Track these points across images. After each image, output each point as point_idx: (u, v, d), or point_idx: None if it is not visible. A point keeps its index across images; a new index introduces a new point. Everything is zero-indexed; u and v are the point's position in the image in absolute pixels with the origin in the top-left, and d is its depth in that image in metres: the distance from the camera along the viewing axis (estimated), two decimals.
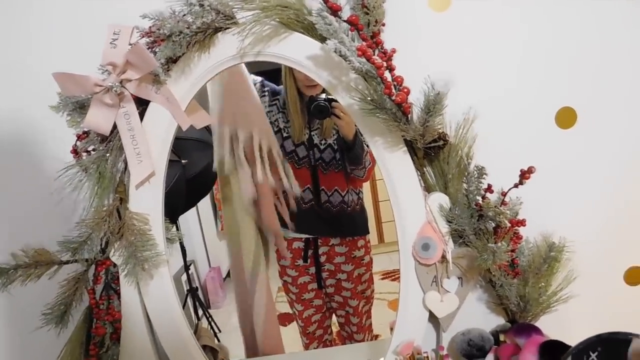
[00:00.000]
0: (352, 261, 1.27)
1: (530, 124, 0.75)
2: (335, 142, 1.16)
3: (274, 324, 1.13)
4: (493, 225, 0.70)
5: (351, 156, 1.14)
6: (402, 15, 0.70)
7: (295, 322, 1.33)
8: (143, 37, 0.67)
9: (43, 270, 0.73)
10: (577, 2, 0.72)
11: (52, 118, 0.71)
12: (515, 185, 0.68)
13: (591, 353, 0.60)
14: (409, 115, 0.64)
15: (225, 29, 0.67)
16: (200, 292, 1.94)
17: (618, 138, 0.76)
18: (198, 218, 1.94)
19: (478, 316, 0.78)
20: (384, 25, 0.66)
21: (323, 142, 1.16)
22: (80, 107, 0.71)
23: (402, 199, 0.71)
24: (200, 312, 1.85)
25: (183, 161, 1.18)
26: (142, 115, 0.71)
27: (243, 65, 0.97)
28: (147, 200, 0.73)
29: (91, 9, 0.73)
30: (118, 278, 0.75)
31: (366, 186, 1.34)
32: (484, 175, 0.68)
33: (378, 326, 1.36)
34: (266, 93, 1.14)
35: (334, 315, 1.36)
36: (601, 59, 0.73)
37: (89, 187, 0.74)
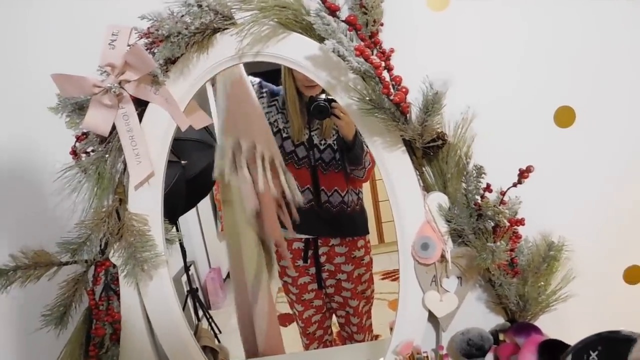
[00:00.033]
0: (352, 261, 1.27)
1: (529, 123, 0.75)
2: (334, 142, 1.16)
3: (276, 336, 1.13)
4: (492, 224, 0.70)
5: (351, 156, 1.14)
6: (401, 15, 0.70)
7: (295, 323, 1.33)
8: (141, 38, 0.67)
9: (42, 272, 0.73)
10: (576, 1, 0.72)
11: (51, 119, 0.71)
12: (514, 185, 0.68)
13: (591, 352, 0.60)
14: (408, 115, 0.64)
15: (224, 29, 0.67)
16: (200, 293, 1.94)
17: (617, 137, 0.76)
18: (198, 219, 1.94)
19: (477, 315, 0.78)
20: (382, 25, 0.66)
21: (323, 142, 1.16)
22: (79, 109, 0.71)
23: (401, 199, 0.71)
24: (200, 313, 1.85)
25: (183, 162, 1.18)
26: (141, 116, 0.71)
27: (245, 76, 0.99)
28: (146, 201, 0.73)
29: (89, 10, 0.73)
30: (117, 279, 0.76)
31: (366, 186, 1.34)
32: (483, 175, 0.68)
33: (378, 326, 1.36)
34: (264, 94, 1.14)
35: (334, 316, 1.36)
36: (600, 58, 0.73)
37: (88, 188, 0.74)
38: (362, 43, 0.63)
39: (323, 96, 0.99)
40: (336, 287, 1.29)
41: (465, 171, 0.70)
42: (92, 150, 0.73)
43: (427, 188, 0.73)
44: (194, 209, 1.88)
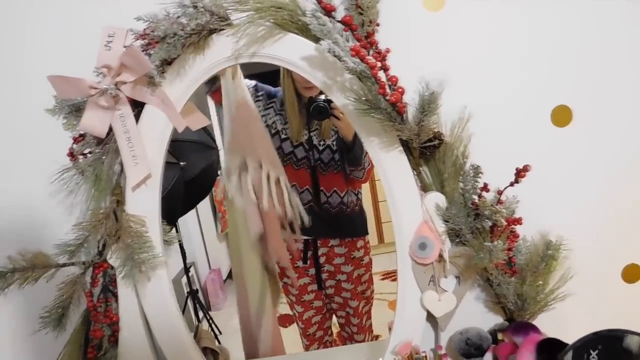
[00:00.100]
0: (352, 262, 1.27)
1: (526, 122, 0.75)
2: (333, 143, 1.16)
3: (280, 351, 1.13)
4: (490, 224, 0.70)
5: (350, 157, 1.14)
6: (397, 15, 0.70)
7: (295, 324, 1.33)
8: (137, 39, 0.67)
9: (40, 274, 0.74)
10: (574, 1, 0.72)
11: (48, 121, 0.71)
12: (511, 184, 0.68)
13: (591, 351, 0.60)
14: (404, 115, 0.64)
15: (220, 30, 0.67)
16: (200, 294, 1.94)
17: (614, 136, 0.75)
18: (198, 220, 1.95)
19: (476, 315, 0.78)
20: (378, 25, 0.66)
21: (322, 142, 1.16)
22: (76, 110, 0.71)
23: (399, 199, 0.71)
24: (200, 314, 1.85)
25: (181, 163, 1.19)
26: (138, 118, 0.71)
27: (250, 99, 1.01)
28: (143, 202, 0.73)
29: (85, 12, 0.73)
30: (115, 280, 0.76)
31: (365, 187, 1.34)
32: (480, 174, 0.68)
33: (378, 327, 1.36)
34: (261, 97, 1.14)
35: (334, 316, 1.36)
36: (597, 57, 0.73)
37: (86, 189, 0.74)
38: (358, 43, 0.63)
39: (322, 97, 0.99)
40: (336, 288, 1.29)
41: (462, 171, 0.70)
42: (90, 152, 0.73)
43: (424, 188, 0.73)
44: (193, 210, 1.88)
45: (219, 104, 1.07)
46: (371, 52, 0.64)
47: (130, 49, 0.64)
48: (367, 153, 1.10)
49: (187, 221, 1.84)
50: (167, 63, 0.68)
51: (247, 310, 1.07)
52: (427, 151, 0.70)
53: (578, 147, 0.76)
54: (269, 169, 1.00)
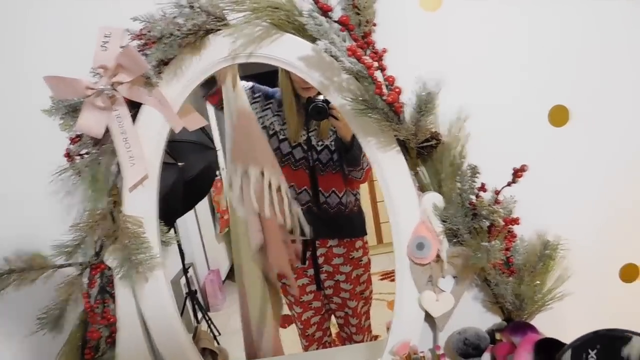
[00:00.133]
0: (350, 262, 1.27)
1: (524, 122, 0.75)
2: (332, 143, 1.16)
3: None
4: (487, 224, 0.70)
5: (349, 157, 1.14)
6: (394, 15, 0.70)
7: (294, 324, 1.33)
8: (134, 39, 0.67)
9: (37, 275, 0.73)
10: (572, 1, 0.72)
11: (44, 122, 0.71)
12: (508, 184, 0.68)
13: (590, 351, 0.60)
14: (401, 115, 0.64)
15: (217, 30, 0.67)
16: (199, 295, 1.93)
17: (612, 136, 0.75)
18: (196, 220, 1.94)
19: (474, 315, 0.78)
20: (375, 25, 0.66)
21: (320, 143, 1.16)
22: (72, 111, 0.71)
23: (396, 199, 0.71)
24: (199, 315, 1.85)
25: (180, 164, 1.18)
26: (135, 118, 0.71)
27: (249, 107, 1.01)
28: (141, 203, 0.73)
29: (81, 12, 0.72)
30: (113, 281, 0.75)
31: (364, 187, 1.34)
32: (477, 174, 0.68)
33: (378, 327, 1.36)
34: (258, 99, 1.14)
35: (333, 317, 1.36)
36: (594, 57, 0.73)
37: (83, 190, 0.74)
38: (355, 43, 0.63)
39: (321, 97, 0.99)
40: (335, 288, 1.28)
41: (460, 171, 0.70)
42: (86, 153, 0.73)
43: (422, 188, 0.73)
44: (192, 211, 1.88)
45: (216, 106, 1.07)
46: (368, 52, 0.64)
47: (126, 49, 0.64)
48: (365, 153, 1.11)
49: (185, 222, 1.84)
50: (163, 63, 0.68)
51: (248, 319, 1.07)
52: (424, 151, 0.70)
53: (575, 147, 0.76)
54: (270, 178, 1.00)
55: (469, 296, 0.78)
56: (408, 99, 0.65)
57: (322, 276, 1.27)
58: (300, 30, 0.66)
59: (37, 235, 0.75)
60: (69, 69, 0.67)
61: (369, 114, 0.64)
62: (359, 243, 1.28)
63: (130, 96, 0.69)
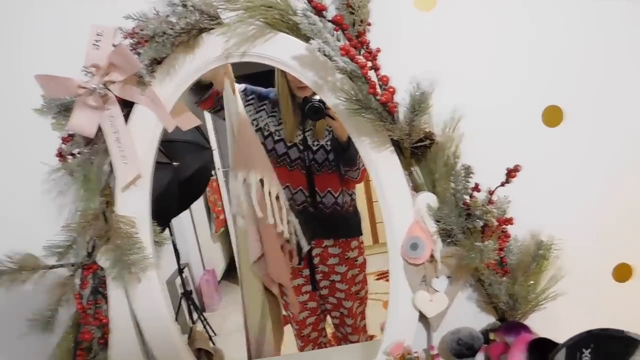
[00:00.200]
0: (346, 262, 1.27)
1: (517, 122, 0.75)
2: (327, 143, 1.16)
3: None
4: (481, 224, 0.70)
5: (346, 157, 1.14)
6: (388, 15, 0.70)
7: (289, 325, 1.32)
8: (126, 38, 0.66)
9: (28, 275, 0.72)
10: (567, 1, 0.72)
11: (36, 121, 0.70)
12: (502, 184, 0.68)
13: (584, 350, 0.60)
14: (395, 115, 0.64)
15: (210, 29, 0.67)
16: (195, 295, 1.93)
17: (605, 136, 0.76)
18: (192, 220, 1.94)
19: (468, 315, 0.78)
20: (369, 24, 0.66)
21: (316, 143, 1.16)
22: (64, 110, 0.70)
23: (390, 199, 0.71)
24: (195, 315, 1.84)
25: (175, 164, 1.18)
26: (127, 117, 0.70)
27: (246, 115, 1.02)
28: (133, 203, 0.73)
29: (73, 10, 0.72)
30: (105, 282, 0.75)
31: (360, 187, 1.34)
32: (471, 174, 0.68)
33: (373, 327, 1.36)
34: (252, 100, 1.14)
35: (328, 317, 1.36)
36: (587, 57, 0.74)
37: (75, 190, 0.73)
38: (349, 43, 0.63)
39: (317, 97, 0.99)
40: (330, 289, 1.28)
41: (454, 171, 0.70)
42: (79, 152, 0.72)
43: (416, 188, 0.73)
44: (187, 211, 1.87)
45: (209, 111, 1.07)
46: (362, 51, 0.64)
47: (119, 48, 0.63)
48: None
49: (181, 222, 1.84)
50: (156, 62, 0.68)
51: (247, 330, 1.07)
52: (418, 151, 0.70)
53: (569, 147, 0.76)
54: (270, 187, 1.01)
55: (462, 296, 0.78)
56: (402, 99, 0.65)
57: (318, 276, 1.27)
58: (294, 30, 0.66)
59: (28, 236, 0.74)
60: (60, 67, 0.66)
61: (363, 114, 0.64)
62: (354, 243, 1.28)
63: (123, 95, 0.68)
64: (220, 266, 2.26)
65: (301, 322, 1.31)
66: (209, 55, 0.68)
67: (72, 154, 0.73)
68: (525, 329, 0.70)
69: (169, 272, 1.72)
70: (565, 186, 0.77)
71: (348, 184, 1.23)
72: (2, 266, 0.72)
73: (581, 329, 0.61)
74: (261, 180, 1.00)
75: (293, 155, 1.16)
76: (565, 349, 0.61)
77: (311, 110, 1.00)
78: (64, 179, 0.74)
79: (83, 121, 0.68)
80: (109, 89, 0.67)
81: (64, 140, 0.73)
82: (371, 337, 1.36)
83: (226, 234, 2.21)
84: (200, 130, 1.32)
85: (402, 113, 0.65)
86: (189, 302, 1.80)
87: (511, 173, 0.67)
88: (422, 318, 0.74)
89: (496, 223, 0.69)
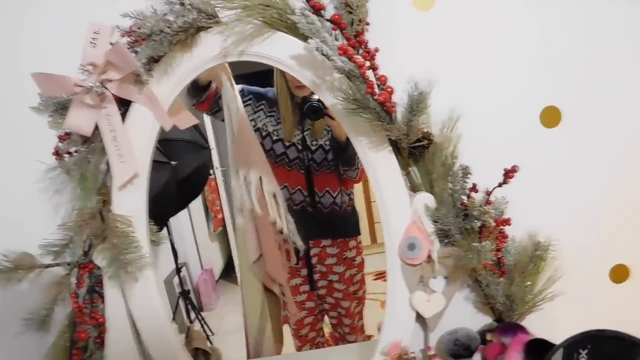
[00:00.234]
0: (344, 262, 1.27)
1: (515, 123, 0.75)
2: (326, 142, 1.16)
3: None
4: (478, 224, 0.70)
5: (345, 157, 1.14)
6: (386, 15, 0.70)
7: (287, 325, 1.32)
8: (124, 36, 0.66)
9: (24, 274, 0.72)
10: (565, 2, 0.72)
11: (33, 119, 0.70)
12: (499, 185, 0.68)
13: (581, 350, 0.60)
14: (393, 115, 0.64)
15: (208, 28, 0.66)
16: (193, 295, 1.93)
17: (603, 137, 0.76)
18: (190, 219, 1.94)
19: (465, 316, 0.78)
20: (367, 24, 0.65)
21: (314, 142, 1.16)
22: (61, 108, 0.70)
23: (388, 199, 0.71)
24: (193, 314, 1.84)
25: (173, 163, 1.18)
26: (124, 116, 0.70)
27: (245, 114, 1.01)
28: (130, 202, 0.72)
29: (70, 8, 0.71)
30: (102, 281, 0.74)
31: (358, 187, 1.34)
32: (469, 175, 0.68)
33: (372, 327, 1.36)
34: (249, 101, 1.14)
35: (326, 317, 1.36)
36: (586, 57, 0.74)
37: (72, 189, 0.73)
38: (347, 42, 0.63)
39: (316, 96, 0.98)
40: (328, 289, 1.28)
41: (451, 171, 0.70)
42: (75, 151, 0.72)
43: (413, 188, 0.73)
44: (185, 210, 1.87)
45: (206, 113, 1.07)
46: (360, 51, 0.64)
47: (116, 46, 0.63)
48: None
49: (179, 221, 1.83)
50: (154, 61, 0.67)
51: (246, 330, 1.07)
52: (416, 151, 0.70)
53: (567, 148, 0.76)
54: (268, 185, 1.00)
55: (460, 297, 0.78)
56: (400, 99, 0.64)
57: (316, 276, 1.27)
58: (292, 29, 0.66)
59: (24, 234, 0.74)
60: (57, 65, 0.66)
61: (361, 114, 0.64)
62: (352, 243, 1.28)
63: (120, 94, 0.68)
64: (218, 265, 2.25)
65: (299, 321, 1.31)
66: (207, 54, 0.68)
67: (69, 153, 0.72)
68: (522, 329, 0.70)
69: (167, 272, 1.72)
70: (563, 187, 0.77)
71: (346, 183, 1.23)
72: None
73: (578, 330, 0.61)
74: (260, 179, 1.00)
75: (291, 155, 1.16)
76: (562, 350, 0.61)
77: (310, 110, 1.00)
78: (61, 177, 0.73)
79: (80, 120, 0.68)
80: (106, 88, 0.66)
81: (61, 138, 0.72)
82: (369, 337, 1.36)
83: (224, 233, 2.20)
84: (198, 130, 1.32)
85: (400, 113, 0.65)
86: (186, 301, 1.80)
87: (509, 174, 0.67)
88: (420, 318, 0.74)
89: (494, 224, 0.69)
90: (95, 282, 0.75)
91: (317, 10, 0.61)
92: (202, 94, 1.00)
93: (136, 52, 0.66)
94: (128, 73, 0.66)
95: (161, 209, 1.07)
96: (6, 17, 0.73)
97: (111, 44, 0.65)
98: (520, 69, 0.74)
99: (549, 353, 0.62)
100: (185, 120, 0.74)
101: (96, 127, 0.69)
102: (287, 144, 1.15)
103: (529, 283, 0.72)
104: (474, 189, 0.69)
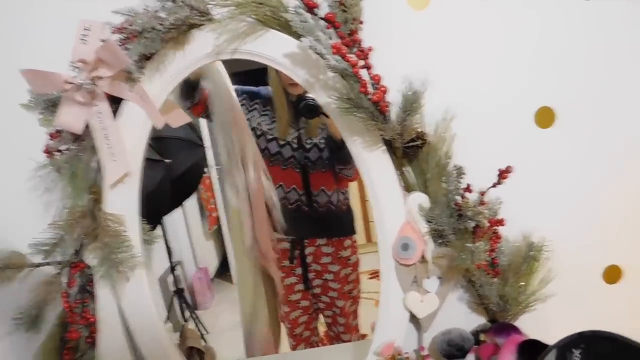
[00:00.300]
0: (339, 261, 1.27)
1: (510, 123, 0.75)
2: (321, 141, 1.15)
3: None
4: (472, 225, 0.70)
5: (340, 156, 1.13)
6: (381, 13, 0.69)
7: (282, 324, 1.32)
8: (115, 33, 0.65)
9: (14, 273, 0.71)
10: (560, 1, 0.71)
11: (23, 116, 0.69)
12: (494, 185, 0.68)
13: (574, 350, 0.61)
14: (387, 114, 0.64)
15: (200, 25, 0.66)
16: (187, 293, 1.92)
17: (597, 138, 0.76)
18: (184, 218, 1.93)
19: (459, 316, 0.78)
20: (361, 23, 0.65)
21: (309, 141, 1.15)
22: (52, 105, 0.69)
23: (382, 199, 0.70)
24: (187, 313, 1.83)
25: (167, 161, 1.17)
26: (116, 113, 0.69)
27: (239, 105, 1.02)
28: (122, 200, 0.71)
29: (61, 3, 0.70)
30: (93, 280, 0.74)
31: (353, 185, 1.34)
32: (463, 175, 0.68)
33: (366, 326, 1.36)
34: (243, 101, 1.13)
35: (321, 316, 1.36)
36: (580, 58, 0.73)
37: (62, 187, 0.72)
38: (341, 41, 0.62)
39: (312, 95, 0.98)
40: (323, 288, 1.28)
41: (446, 171, 0.70)
42: (66, 149, 0.71)
43: (407, 188, 0.73)
44: (180, 208, 1.86)
45: (201, 116, 1.07)
46: (354, 50, 0.63)
47: (107, 43, 0.62)
48: None
49: (173, 219, 1.82)
50: (145, 58, 0.67)
51: (242, 315, 1.07)
52: (410, 151, 0.69)
53: (561, 148, 0.76)
54: (255, 167, 1.00)
55: (453, 297, 0.78)
56: (394, 98, 0.64)
57: (311, 275, 1.27)
58: (286, 27, 0.65)
59: (14, 233, 0.73)
60: (47, 62, 0.65)
61: (354, 113, 0.63)
62: (347, 242, 1.28)
63: (111, 91, 0.67)
64: (213, 264, 2.24)
65: (293, 320, 1.31)
66: (199, 51, 0.67)
67: (60, 151, 0.71)
68: (516, 330, 0.70)
69: (161, 270, 1.71)
70: (557, 187, 0.77)
71: (342, 182, 1.23)
72: None
73: (571, 331, 0.61)
74: (247, 162, 1.01)
75: (286, 153, 1.15)
76: (555, 350, 0.61)
77: (306, 109, 0.99)
78: (51, 175, 0.72)
79: (70, 117, 0.67)
80: (96, 85, 0.65)
81: (52, 136, 0.71)
82: (363, 336, 1.36)
83: (219, 231, 2.19)
84: (193, 127, 1.31)
85: (394, 112, 0.65)
86: (181, 300, 1.79)
87: (503, 174, 0.67)
88: (413, 319, 0.74)
89: (487, 224, 0.69)
90: (87, 281, 0.75)
91: (311, 8, 0.60)
92: (193, 94, 1.00)
93: (127, 49, 0.65)
94: (119, 70, 0.65)
95: (155, 207, 1.06)
96: None
97: (102, 40, 0.64)
98: (515, 69, 0.73)
99: (542, 353, 0.62)
100: (178, 118, 0.74)
101: (87, 125, 0.68)
102: (282, 142, 1.14)
103: (522, 283, 0.72)
104: (468, 189, 0.69)
